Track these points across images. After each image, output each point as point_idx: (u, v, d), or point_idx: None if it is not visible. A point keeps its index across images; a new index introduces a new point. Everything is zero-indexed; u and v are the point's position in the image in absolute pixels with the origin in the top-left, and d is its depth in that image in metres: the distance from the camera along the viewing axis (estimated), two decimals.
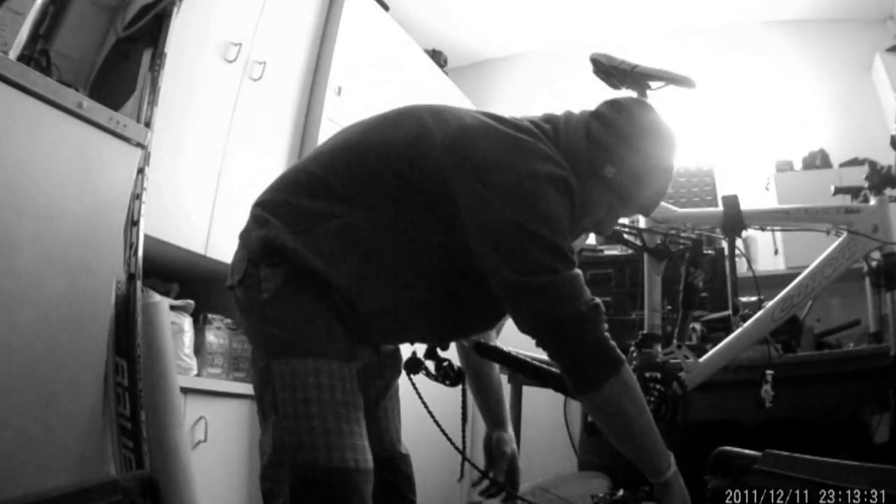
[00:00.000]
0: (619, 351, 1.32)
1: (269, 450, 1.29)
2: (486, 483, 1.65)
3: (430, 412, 1.58)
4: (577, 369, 1.32)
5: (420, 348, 1.60)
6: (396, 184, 1.34)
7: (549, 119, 1.48)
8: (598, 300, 1.31)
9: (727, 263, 2.16)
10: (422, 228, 1.34)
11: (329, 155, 1.43)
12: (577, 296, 1.28)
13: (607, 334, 1.31)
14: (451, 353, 1.63)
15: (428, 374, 1.55)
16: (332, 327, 1.33)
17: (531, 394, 2.42)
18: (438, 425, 1.60)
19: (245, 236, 1.43)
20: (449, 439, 1.63)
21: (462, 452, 1.70)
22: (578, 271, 1.31)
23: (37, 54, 2.05)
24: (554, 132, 1.44)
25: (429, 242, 1.35)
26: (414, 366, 1.54)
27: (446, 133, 1.36)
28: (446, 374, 1.56)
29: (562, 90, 4.35)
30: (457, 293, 1.40)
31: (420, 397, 1.59)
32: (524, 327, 1.31)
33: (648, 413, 1.35)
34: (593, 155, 1.41)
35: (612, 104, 1.47)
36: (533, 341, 1.34)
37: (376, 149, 1.38)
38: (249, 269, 1.37)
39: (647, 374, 1.75)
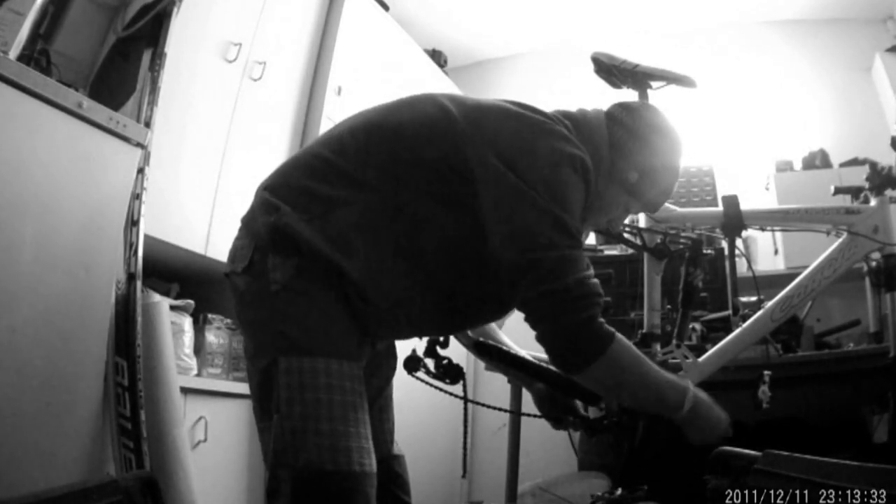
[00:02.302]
0: (605, 329, 1.31)
1: (271, 449, 1.25)
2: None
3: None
4: (561, 352, 1.33)
5: (420, 346, 1.60)
6: (413, 165, 1.34)
7: (568, 115, 1.48)
8: (593, 281, 1.31)
9: (727, 263, 2.16)
10: (435, 213, 1.34)
11: (339, 141, 1.40)
12: (572, 273, 1.28)
13: (595, 315, 1.30)
14: (450, 351, 1.63)
15: (427, 371, 1.54)
16: (343, 324, 1.31)
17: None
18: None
19: (250, 222, 1.39)
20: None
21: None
22: (581, 253, 1.32)
23: (37, 54, 2.05)
24: (575, 128, 1.44)
25: (443, 227, 1.34)
26: (413, 363, 1.54)
27: (463, 111, 1.37)
28: (446, 372, 1.56)
29: (562, 90, 4.34)
30: (467, 278, 1.38)
31: (433, 386, 1.61)
32: (521, 304, 1.32)
33: (648, 374, 1.37)
34: (616, 160, 1.45)
35: (627, 109, 1.50)
36: (534, 339, 1.35)
37: (395, 130, 1.38)
38: (256, 256, 1.33)
39: None
